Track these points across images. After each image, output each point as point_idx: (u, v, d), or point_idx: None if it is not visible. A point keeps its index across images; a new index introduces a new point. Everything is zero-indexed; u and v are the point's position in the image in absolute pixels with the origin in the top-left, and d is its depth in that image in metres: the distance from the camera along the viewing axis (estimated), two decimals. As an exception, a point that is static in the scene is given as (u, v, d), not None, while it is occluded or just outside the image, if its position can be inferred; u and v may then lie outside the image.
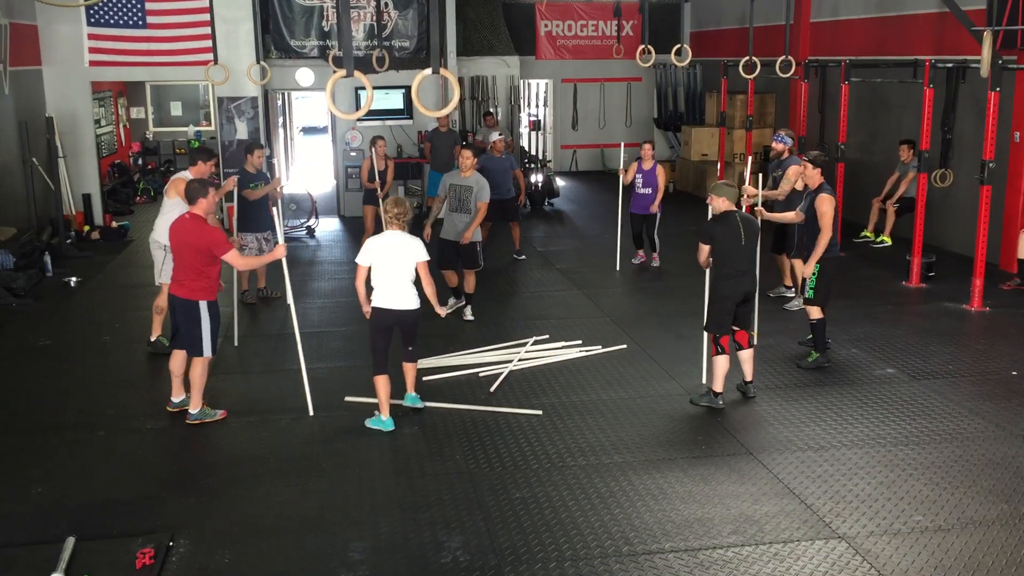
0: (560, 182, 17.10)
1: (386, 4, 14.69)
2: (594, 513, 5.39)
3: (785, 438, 6.44)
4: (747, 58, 11.72)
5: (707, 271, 7.17)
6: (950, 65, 10.65)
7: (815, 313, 7.78)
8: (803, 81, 13.18)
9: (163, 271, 7.98)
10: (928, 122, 10.13)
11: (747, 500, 5.55)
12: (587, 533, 5.19)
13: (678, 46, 11.21)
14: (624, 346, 8.40)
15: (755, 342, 7.20)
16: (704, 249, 6.89)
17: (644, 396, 7.25)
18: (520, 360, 8.00)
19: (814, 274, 7.71)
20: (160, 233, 7.93)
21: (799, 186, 8.92)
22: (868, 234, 12.36)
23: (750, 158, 8.94)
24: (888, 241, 12.15)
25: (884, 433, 6.48)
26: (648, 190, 11.15)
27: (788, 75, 11.99)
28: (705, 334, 7.15)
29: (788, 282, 9.66)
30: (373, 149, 11.15)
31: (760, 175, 9.03)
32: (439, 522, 5.33)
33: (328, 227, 14.46)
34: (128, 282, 11.01)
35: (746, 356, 7.06)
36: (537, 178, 15.76)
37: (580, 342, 8.46)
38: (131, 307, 9.82)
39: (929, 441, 6.35)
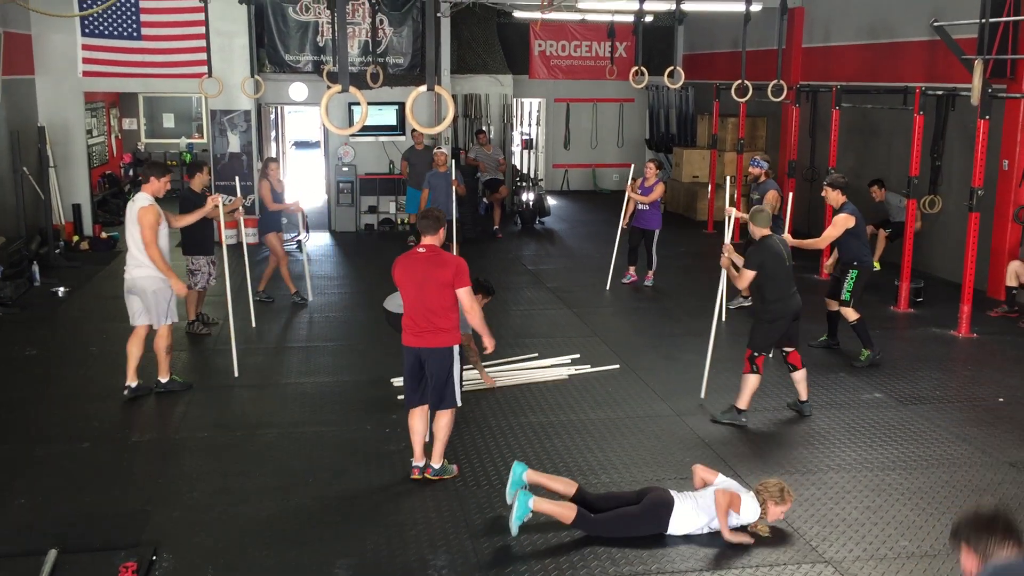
0: (551, 201, 17.13)
1: (381, 21, 14.75)
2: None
3: (774, 461, 6.44)
4: (739, 81, 11.79)
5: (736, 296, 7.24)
6: (940, 93, 10.73)
7: (852, 315, 8.36)
8: (794, 105, 13.26)
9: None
10: (918, 149, 10.20)
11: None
12: (573, 554, 5.17)
13: (671, 68, 11.27)
14: (614, 366, 8.40)
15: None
16: (750, 275, 6.97)
17: (633, 416, 7.24)
18: (505, 376, 7.99)
19: (852, 279, 8.30)
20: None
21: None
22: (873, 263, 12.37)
23: (728, 179, 9.06)
24: (878, 266, 12.18)
25: (871, 458, 6.49)
26: (648, 206, 11.23)
27: (780, 99, 12.06)
28: (747, 352, 7.08)
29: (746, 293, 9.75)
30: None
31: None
32: (425, 540, 5.29)
33: (319, 241, 14.45)
34: (115, 293, 10.88)
35: (800, 376, 7.20)
36: (528, 196, 15.80)
37: (570, 360, 8.46)
38: (119, 318, 9.75)
39: (916, 466, 6.35)
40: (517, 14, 15.91)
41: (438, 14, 14.78)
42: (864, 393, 7.79)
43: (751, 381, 6.99)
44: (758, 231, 7.12)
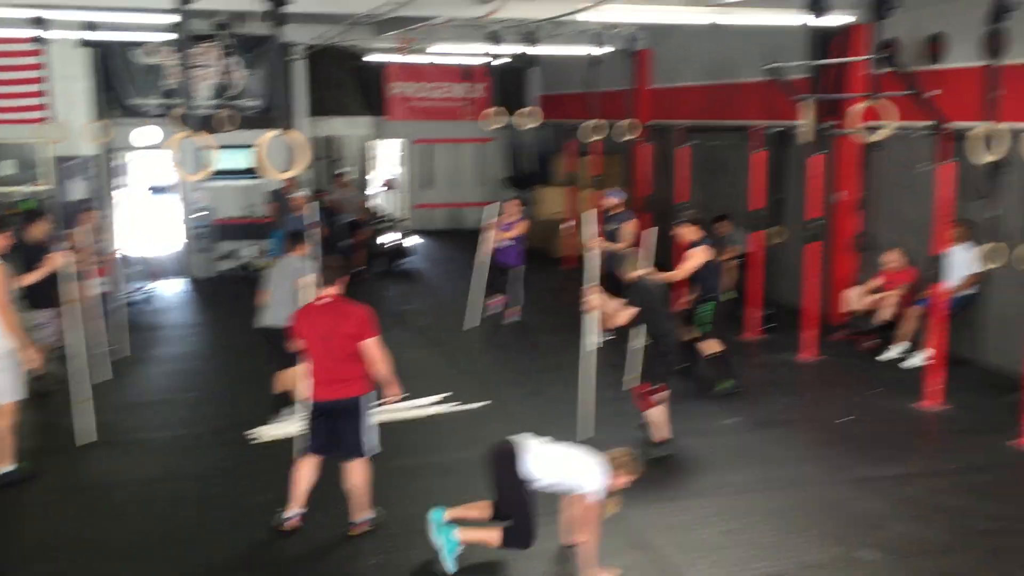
0: (414, 241, 17.14)
1: (237, 62, 14.50)
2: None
3: (638, 490, 6.55)
4: (592, 121, 12.17)
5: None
6: (778, 130, 11.36)
7: (713, 347, 8.64)
8: (645, 144, 13.76)
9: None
10: (760, 183, 10.76)
11: (602, 554, 5.63)
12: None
13: (526, 109, 11.55)
14: (482, 403, 8.44)
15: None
16: (631, 313, 7.13)
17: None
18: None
19: (709, 312, 8.54)
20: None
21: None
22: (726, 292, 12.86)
23: (584, 214, 9.36)
24: (732, 295, 12.72)
25: (729, 481, 6.75)
26: (510, 243, 11.42)
27: (630, 138, 12.53)
28: (642, 388, 7.27)
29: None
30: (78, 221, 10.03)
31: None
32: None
33: (174, 288, 13.99)
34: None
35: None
36: (391, 238, 15.76)
37: (438, 398, 8.45)
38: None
39: (771, 488, 6.64)
40: (371, 57, 15.96)
41: (292, 56, 14.67)
42: (722, 419, 8.10)
43: (658, 414, 7.22)
44: (631, 274, 7.37)
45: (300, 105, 14.98)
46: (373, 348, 5.72)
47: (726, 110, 13.43)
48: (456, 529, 5.40)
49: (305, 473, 5.94)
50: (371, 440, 5.92)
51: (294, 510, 5.92)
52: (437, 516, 5.54)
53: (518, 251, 11.50)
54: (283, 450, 7.23)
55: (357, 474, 5.91)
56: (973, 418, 8.07)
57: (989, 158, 6.92)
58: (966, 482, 6.75)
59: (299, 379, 6.12)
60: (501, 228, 11.46)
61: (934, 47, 9.85)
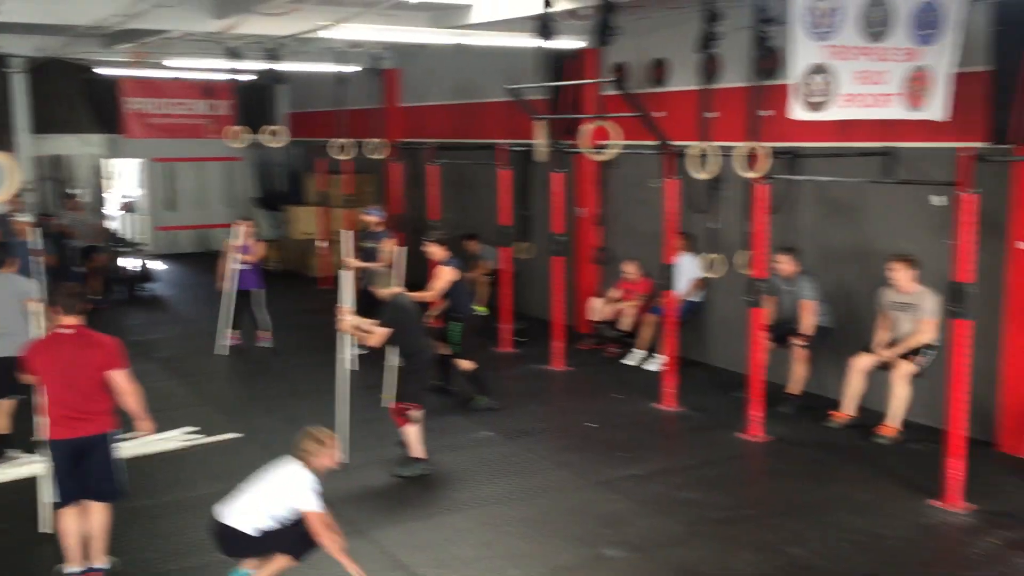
0: (157, 266, 16.24)
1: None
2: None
3: (392, 510, 6.58)
4: (341, 140, 12.07)
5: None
6: (521, 149, 11.76)
7: (467, 365, 8.74)
8: (395, 162, 13.82)
9: None
10: (506, 200, 11.09)
11: (357, 579, 5.56)
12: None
13: (272, 127, 11.27)
14: (233, 435, 8.10)
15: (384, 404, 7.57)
16: (385, 333, 7.08)
17: (251, 485, 7.02)
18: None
19: (457, 331, 8.61)
20: None
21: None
22: (478, 308, 13.10)
23: (343, 233, 9.28)
24: (484, 311, 13.01)
25: (484, 494, 6.86)
26: (248, 266, 11.06)
27: (380, 156, 12.55)
28: (397, 407, 7.23)
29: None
30: None
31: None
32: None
33: None
34: None
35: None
36: (131, 263, 14.83)
37: (183, 433, 8.02)
38: None
39: (523, 497, 6.82)
40: (101, 71, 14.98)
41: (10, 69, 13.49)
42: (474, 433, 8.24)
43: (413, 431, 7.19)
44: (384, 292, 7.39)
45: (20, 121, 13.78)
46: (123, 380, 5.41)
47: (473, 129, 13.75)
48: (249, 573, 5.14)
49: (69, 526, 5.45)
50: (122, 479, 5.53)
51: (74, 567, 5.44)
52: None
53: (257, 274, 11.18)
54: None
55: (101, 516, 5.49)
56: (704, 416, 8.70)
57: (706, 174, 7.50)
58: (701, 475, 7.25)
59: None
60: (239, 251, 11.09)
61: (658, 71, 10.59)
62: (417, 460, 7.26)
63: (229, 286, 11.16)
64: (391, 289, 7.36)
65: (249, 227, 11.21)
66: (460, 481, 7.13)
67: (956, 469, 6.56)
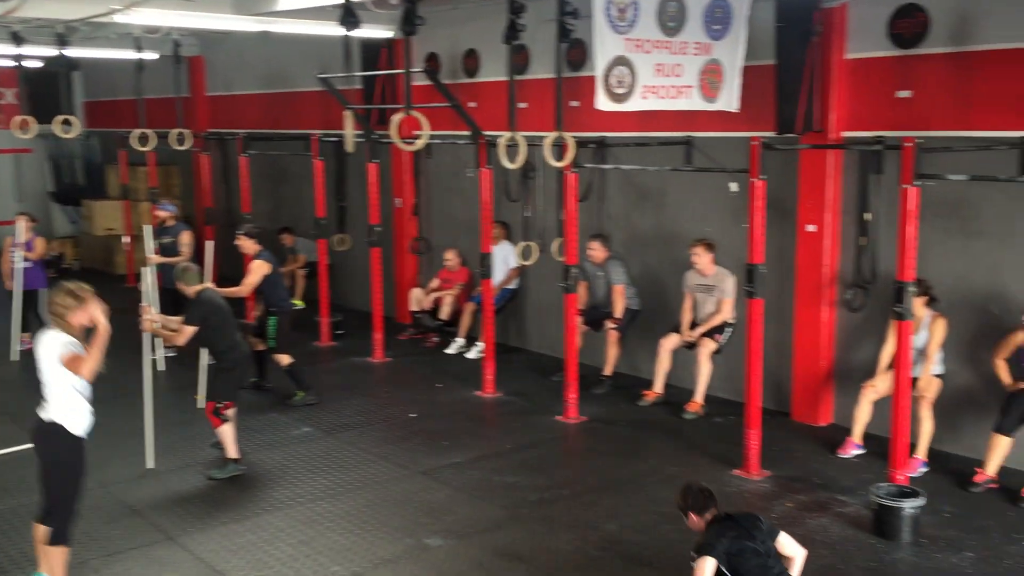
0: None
1: None
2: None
3: (206, 514, 6.35)
4: (141, 130, 11.50)
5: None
6: (335, 139, 11.58)
7: (284, 360, 8.58)
8: (203, 153, 13.29)
9: None
10: (321, 192, 10.89)
11: (170, 589, 5.35)
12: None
13: (63, 117, 10.60)
14: (30, 446, 7.57)
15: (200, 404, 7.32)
16: (191, 331, 6.88)
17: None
18: None
19: (273, 326, 8.47)
20: None
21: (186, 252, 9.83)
22: (296, 302, 12.77)
23: (146, 228, 8.87)
24: (301, 304, 12.74)
25: (302, 492, 6.74)
26: (31, 264, 10.40)
27: (185, 148, 12.05)
28: (209, 406, 7.00)
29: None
30: None
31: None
32: None
33: None
34: None
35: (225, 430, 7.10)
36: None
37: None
38: None
39: (344, 491, 6.74)
40: None
41: None
42: (293, 429, 8.08)
43: (227, 431, 6.97)
44: (190, 289, 7.11)
45: None
46: None
47: (286, 119, 13.42)
48: None
49: None
50: None
51: None
52: None
53: (39, 274, 10.52)
54: None
55: None
56: (524, 401, 8.87)
57: (516, 164, 7.64)
58: (520, 459, 7.40)
59: None
60: (21, 248, 10.39)
61: (470, 62, 10.67)
62: (232, 461, 7.05)
63: (14, 287, 10.44)
64: (197, 285, 7.09)
65: (29, 222, 10.51)
66: (278, 480, 6.97)
67: (754, 439, 6.99)
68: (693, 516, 4.69)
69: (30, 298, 10.48)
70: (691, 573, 4.42)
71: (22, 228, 10.41)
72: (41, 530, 5.07)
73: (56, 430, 4.96)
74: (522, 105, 9.66)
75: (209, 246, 9.30)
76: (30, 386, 9.53)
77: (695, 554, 4.48)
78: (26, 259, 10.38)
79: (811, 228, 7.83)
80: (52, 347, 4.93)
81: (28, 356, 10.27)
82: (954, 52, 6.96)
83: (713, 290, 8.34)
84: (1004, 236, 6.91)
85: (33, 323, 10.46)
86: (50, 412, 4.99)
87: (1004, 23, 6.67)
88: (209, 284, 7.40)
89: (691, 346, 8.46)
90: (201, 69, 14.97)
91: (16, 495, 6.67)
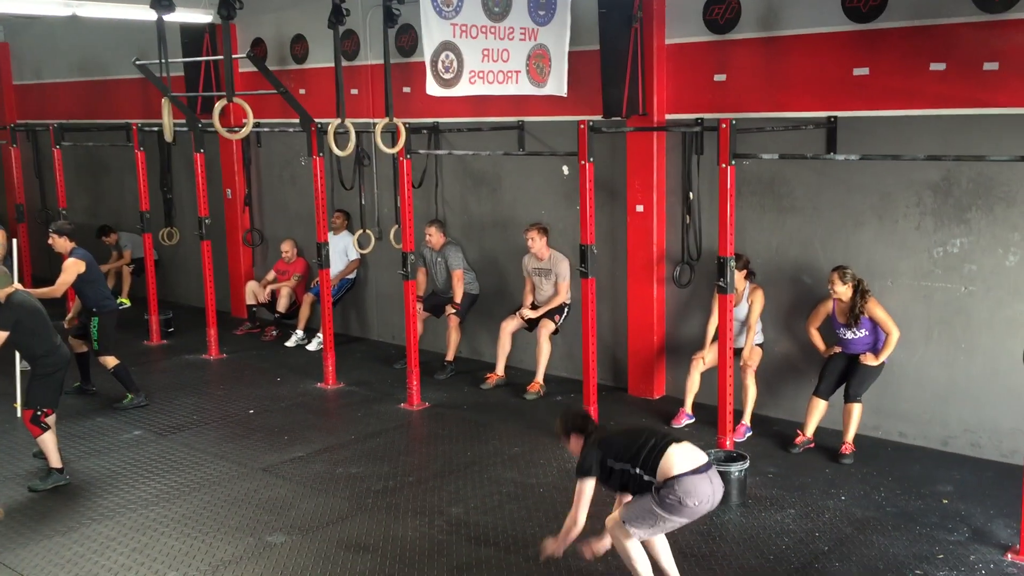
0: None
1: None
2: None
3: (28, 528, 5.99)
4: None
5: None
6: (156, 129, 11.07)
7: (110, 362, 8.23)
8: (12, 146, 12.46)
9: None
10: (144, 183, 10.41)
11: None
12: None
13: None
14: None
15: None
16: (2, 336, 6.45)
17: None
18: None
19: (96, 327, 8.14)
20: None
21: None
22: (122, 300, 12.16)
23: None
24: (127, 302, 12.17)
25: (134, 497, 6.45)
26: None
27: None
28: (28, 414, 6.62)
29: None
30: None
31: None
32: None
33: None
34: None
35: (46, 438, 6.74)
36: None
37: None
38: None
39: (179, 494, 6.50)
40: None
41: None
42: (123, 433, 7.71)
43: (48, 439, 6.61)
44: (0, 292, 6.62)
45: None
46: None
47: (104, 108, 12.75)
48: None
49: None
50: None
51: None
52: None
53: None
54: None
55: None
56: (366, 390, 8.79)
57: (346, 151, 7.54)
58: (364, 449, 7.34)
59: None
60: None
61: (298, 48, 10.43)
62: (56, 470, 6.67)
63: None
64: (7, 288, 6.64)
65: None
66: (107, 487, 6.64)
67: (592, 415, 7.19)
68: (573, 438, 5.01)
69: None
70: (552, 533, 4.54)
71: None
72: None
73: None
74: (354, 92, 9.55)
75: (3, 244, 8.78)
76: None
77: (576, 476, 4.82)
78: None
79: (639, 208, 8.10)
80: None
81: None
82: (764, 37, 7.33)
83: (549, 273, 8.50)
84: (814, 210, 7.35)
85: None
86: None
87: (808, 9, 7.08)
88: (19, 286, 6.94)
89: (531, 328, 8.61)
90: (6, 56, 14.01)
91: None
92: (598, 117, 7.72)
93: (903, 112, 6.75)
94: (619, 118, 7.74)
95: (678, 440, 4.82)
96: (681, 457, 4.72)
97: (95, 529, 5.97)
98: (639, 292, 8.26)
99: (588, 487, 4.79)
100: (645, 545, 4.95)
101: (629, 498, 4.92)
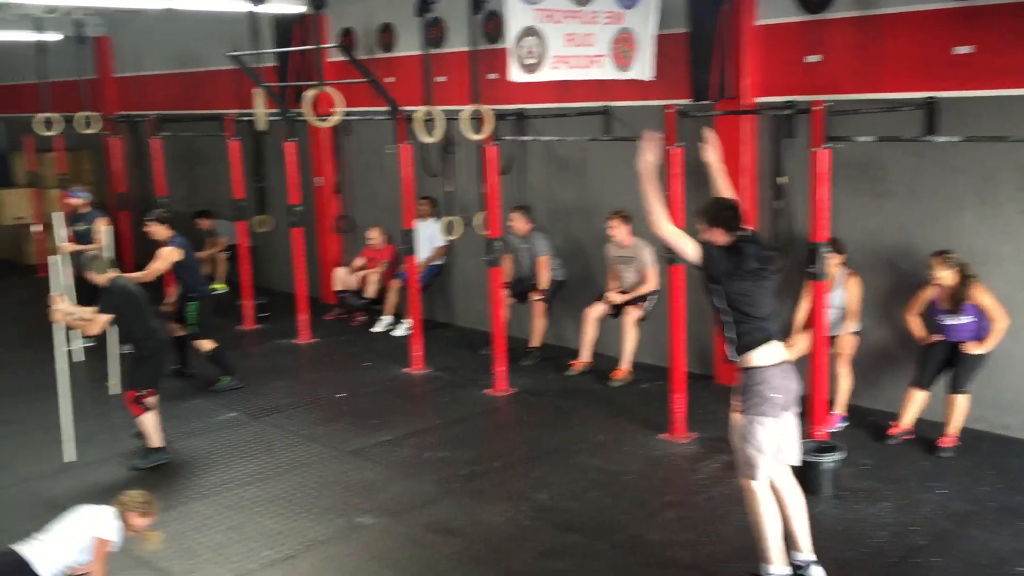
0: None
1: None
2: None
3: (132, 506, 6.22)
4: (44, 115, 11.11)
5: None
6: (251, 119, 11.33)
7: (207, 345, 8.43)
8: (113, 137, 12.91)
9: None
10: (238, 173, 10.67)
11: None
12: None
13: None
14: (-63, 446, 7.33)
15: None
16: (105, 320, 6.73)
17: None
18: None
19: (194, 311, 8.32)
20: None
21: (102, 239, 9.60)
22: (217, 286, 12.52)
23: (53, 216, 8.65)
24: (224, 287, 12.50)
25: (230, 477, 6.64)
26: None
27: (93, 131, 11.69)
28: (129, 395, 6.86)
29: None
30: None
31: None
32: None
33: None
34: None
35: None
36: None
37: None
38: None
39: (272, 475, 6.67)
40: None
41: None
42: (218, 415, 7.94)
43: (149, 420, 6.83)
44: (101, 277, 6.93)
45: None
46: None
47: (199, 99, 13.10)
48: None
49: None
50: None
51: None
52: None
53: None
54: None
55: None
56: (452, 376, 8.87)
57: (434, 138, 7.58)
58: (450, 434, 7.41)
59: None
60: None
61: (386, 37, 10.53)
62: (156, 450, 6.91)
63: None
64: (108, 273, 6.90)
65: None
66: (205, 467, 6.86)
67: (679, 403, 7.12)
68: (717, 232, 4.83)
69: None
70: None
71: None
72: None
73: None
74: (441, 79, 9.59)
75: (110, 232, 9.15)
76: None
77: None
78: None
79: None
80: (99, 519, 5.02)
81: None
82: (860, 16, 7.10)
83: (632, 261, 8.42)
84: (911, 194, 7.11)
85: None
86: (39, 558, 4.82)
87: (906, -14, 6.83)
88: (118, 272, 7.21)
89: (616, 314, 8.55)
90: (108, 50, 14.50)
91: None
92: (685, 101, 7.59)
93: (1010, 92, 6.46)
94: (707, 102, 7.61)
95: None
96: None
97: (193, 507, 6.17)
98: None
99: (692, 245, 4.81)
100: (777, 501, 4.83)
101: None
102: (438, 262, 10.46)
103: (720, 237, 4.81)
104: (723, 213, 4.86)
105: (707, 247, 4.78)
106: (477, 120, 7.59)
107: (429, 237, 10.13)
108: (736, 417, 4.92)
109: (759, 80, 7.69)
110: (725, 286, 4.74)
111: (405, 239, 8.94)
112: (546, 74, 6.66)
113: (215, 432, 7.56)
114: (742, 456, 4.81)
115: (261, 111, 7.63)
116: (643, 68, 7.37)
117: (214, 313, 8.82)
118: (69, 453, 6.99)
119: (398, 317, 10.40)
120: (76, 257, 9.20)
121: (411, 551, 5.52)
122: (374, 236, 10.84)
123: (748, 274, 4.73)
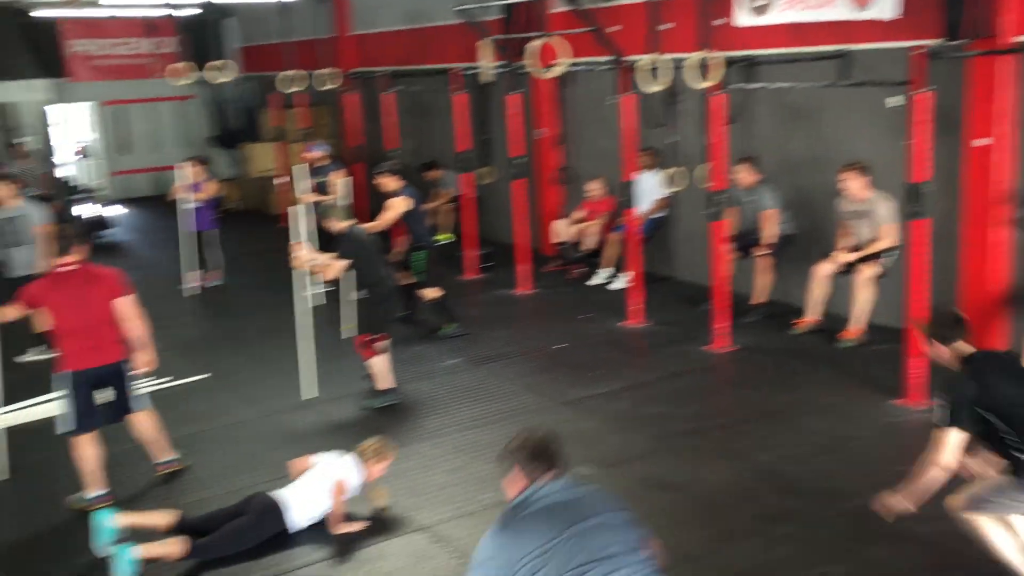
0: (115, 211, 15.94)
1: None
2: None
3: (361, 441, 6.58)
4: (290, 72, 11.80)
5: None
6: (476, 72, 11.54)
7: (432, 293, 8.77)
8: (350, 93, 13.54)
9: None
10: (464, 125, 10.92)
11: (330, 512, 5.60)
12: (166, 584, 4.91)
13: (220, 62, 10.99)
14: (203, 376, 8.06)
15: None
16: (342, 265, 7.14)
17: (222, 426, 7.03)
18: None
19: (421, 260, 8.66)
20: None
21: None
22: (442, 236, 12.96)
23: (296, 168, 9.19)
24: (450, 237, 12.91)
25: (452, 421, 6.89)
26: (201, 204, 10.96)
27: (333, 87, 12.28)
28: (362, 339, 7.27)
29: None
30: None
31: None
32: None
33: None
34: None
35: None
36: (86, 210, 14.54)
37: (148, 377, 7.97)
38: None
39: (491, 421, 6.86)
40: (37, 13, 14.45)
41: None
42: (442, 361, 8.25)
43: (380, 363, 7.20)
44: (338, 225, 7.31)
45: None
46: (129, 306, 5.76)
47: (427, 54, 13.47)
48: (133, 548, 4.91)
49: (88, 452, 5.70)
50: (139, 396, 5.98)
51: (96, 491, 5.69)
52: (103, 519, 5.10)
53: (210, 214, 11.10)
54: None
55: (146, 423, 6.05)
56: (671, 330, 8.74)
57: (658, 88, 7.39)
58: (667, 389, 7.32)
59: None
60: (190, 191, 10.95)
61: (611, -16, 10.35)
62: (386, 391, 7.26)
63: (188, 227, 11.03)
64: (344, 222, 7.27)
65: (197, 166, 11.07)
66: (429, 409, 7.15)
67: (918, 367, 6.65)
68: (940, 346, 4.34)
69: (199, 238, 11.06)
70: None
71: (189, 172, 10.95)
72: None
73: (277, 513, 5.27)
74: (667, 26, 9.33)
75: (346, 183, 9.58)
76: (200, 320, 10.19)
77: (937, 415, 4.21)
78: (195, 201, 10.93)
79: (981, 142, 7.27)
80: (345, 464, 5.50)
81: (201, 296, 10.94)
82: None
83: (866, 215, 7.90)
84: None
85: (203, 262, 11.10)
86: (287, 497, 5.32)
87: None
88: (354, 221, 7.56)
89: (847, 272, 8.08)
90: (345, 8, 15.17)
91: (196, 422, 7.10)
92: (933, 41, 6.97)
93: None
94: (959, 41, 6.95)
95: None
96: None
97: (418, 448, 6.46)
98: (977, 236, 7.46)
99: (953, 439, 4.20)
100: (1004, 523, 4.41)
101: (977, 461, 4.38)
102: (659, 214, 10.29)
103: None
104: None
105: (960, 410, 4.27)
106: (703, 68, 7.33)
107: (650, 189, 9.96)
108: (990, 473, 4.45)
109: (1021, 16, 6.92)
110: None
111: (625, 191, 8.83)
112: (776, 16, 6.31)
113: (440, 377, 7.85)
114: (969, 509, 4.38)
115: (486, 63, 7.73)
116: (882, 7, 6.83)
117: (438, 263, 9.12)
118: (309, 391, 7.48)
119: (616, 270, 10.35)
120: (315, 207, 9.76)
121: (628, 503, 5.50)
122: (594, 188, 10.79)
123: None
